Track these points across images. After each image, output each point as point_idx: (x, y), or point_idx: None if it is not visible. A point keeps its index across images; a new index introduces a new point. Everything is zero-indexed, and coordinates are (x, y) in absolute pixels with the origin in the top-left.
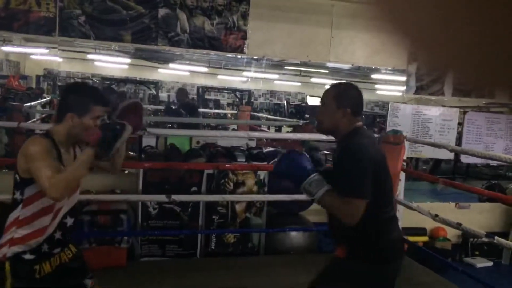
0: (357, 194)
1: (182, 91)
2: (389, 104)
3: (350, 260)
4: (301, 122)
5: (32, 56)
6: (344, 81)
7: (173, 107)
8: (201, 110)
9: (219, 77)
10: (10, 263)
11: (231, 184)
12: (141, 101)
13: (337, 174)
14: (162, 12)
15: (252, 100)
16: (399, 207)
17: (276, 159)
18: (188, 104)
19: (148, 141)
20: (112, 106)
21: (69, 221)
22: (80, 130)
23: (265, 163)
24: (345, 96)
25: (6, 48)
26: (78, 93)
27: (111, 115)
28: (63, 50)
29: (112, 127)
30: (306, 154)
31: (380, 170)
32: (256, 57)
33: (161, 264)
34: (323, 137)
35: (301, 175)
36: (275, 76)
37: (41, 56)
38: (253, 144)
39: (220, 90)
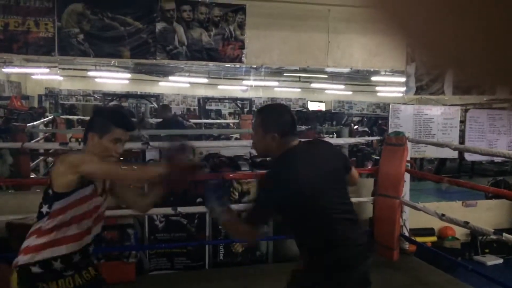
0: (250, 221)
1: (164, 108)
2: (390, 106)
3: (308, 272)
4: (303, 128)
5: (33, 76)
6: (269, 104)
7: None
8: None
9: (220, 87)
10: (18, 273)
11: (236, 193)
12: (143, 115)
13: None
14: (159, 26)
15: (254, 109)
16: (406, 208)
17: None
18: (170, 121)
19: (151, 154)
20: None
21: (91, 248)
22: (101, 151)
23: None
24: (269, 120)
25: (7, 70)
26: (101, 115)
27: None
28: (64, 69)
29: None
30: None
31: (308, 189)
32: (254, 66)
33: (171, 277)
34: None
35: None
36: (275, 83)
37: (42, 75)
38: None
39: (221, 100)
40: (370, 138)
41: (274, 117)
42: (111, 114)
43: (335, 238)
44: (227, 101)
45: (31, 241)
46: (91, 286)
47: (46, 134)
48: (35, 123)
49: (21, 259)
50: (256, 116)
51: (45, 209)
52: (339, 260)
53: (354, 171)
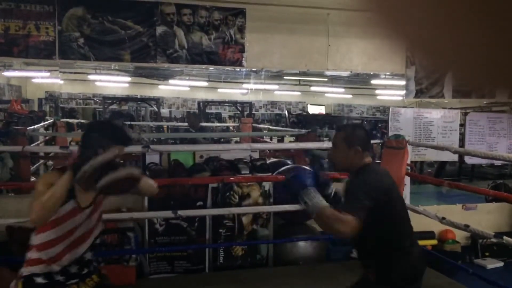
0: (351, 211)
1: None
2: (390, 109)
3: (380, 285)
4: (303, 131)
5: (33, 80)
6: (349, 123)
7: None
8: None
9: (219, 90)
10: (23, 283)
11: (237, 196)
12: (143, 118)
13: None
14: (159, 30)
15: (253, 112)
16: None
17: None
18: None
19: (151, 158)
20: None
21: (88, 255)
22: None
23: (269, 174)
24: (354, 136)
25: (7, 73)
26: (98, 131)
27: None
28: (64, 72)
29: (90, 152)
30: (310, 169)
31: (393, 198)
32: (255, 69)
33: (171, 281)
34: (325, 145)
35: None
36: (275, 87)
37: (42, 79)
38: (256, 155)
39: (221, 103)
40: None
41: (358, 133)
42: (110, 132)
43: (415, 247)
44: (227, 104)
45: (30, 254)
46: None
47: (46, 138)
48: (35, 126)
49: (25, 270)
50: (338, 132)
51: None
52: (415, 269)
53: None
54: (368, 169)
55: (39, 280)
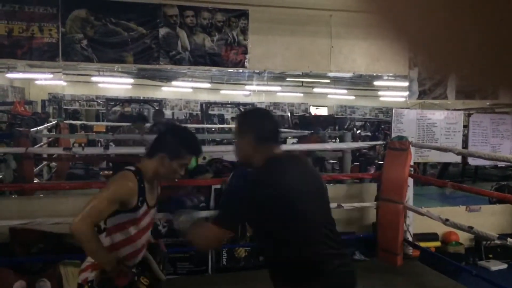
0: (218, 221)
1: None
2: (393, 110)
3: None
4: (306, 132)
5: (36, 82)
6: (251, 108)
7: None
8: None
9: (222, 92)
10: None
11: None
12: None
13: None
14: (162, 31)
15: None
16: (409, 213)
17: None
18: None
19: None
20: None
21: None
22: (167, 172)
23: None
24: (246, 124)
25: (11, 75)
26: (175, 138)
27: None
28: (67, 74)
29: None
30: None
31: (295, 198)
32: (257, 71)
33: (173, 282)
34: (328, 147)
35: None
36: (278, 88)
37: (45, 81)
38: None
39: (223, 105)
40: (373, 143)
41: (251, 121)
42: (186, 141)
43: (319, 264)
44: (229, 106)
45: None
46: None
47: (50, 139)
48: (38, 128)
49: (91, 275)
50: (236, 121)
51: (102, 223)
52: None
53: None
54: (265, 166)
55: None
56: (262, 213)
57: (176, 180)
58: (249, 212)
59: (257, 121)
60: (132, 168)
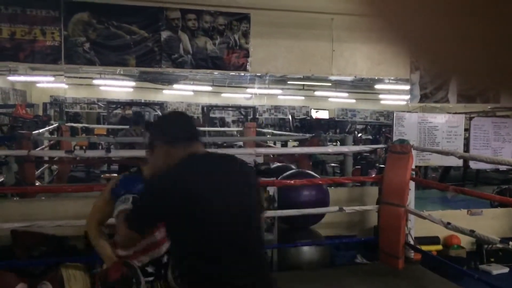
0: (125, 219)
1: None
2: (394, 114)
3: None
4: (307, 136)
5: (38, 84)
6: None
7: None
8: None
9: (223, 95)
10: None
11: None
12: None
13: None
14: (164, 35)
15: (257, 116)
16: (411, 217)
17: None
18: None
19: None
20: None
21: (165, 258)
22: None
23: (274, 178)
24: (155, 132)
25: (13, 78)
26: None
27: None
28: (69, 77)
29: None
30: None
31: (197, 210)
32: (259, 74)
33: None
34: (330, 150)
35: None
36: (279, 91)
37: (47, 83)
38: (260, 160)
39: (224, 108)
40: (375, 146)
41: (157, 128)
42: (182, 126)
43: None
44: (231, 109)
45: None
46: None
47: (51, 142)
48: (40, 130)
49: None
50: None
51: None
52: None
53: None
54: (176, 165)
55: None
56: (160, 217)
57: None
58: (150, 215)
59: (162, 125)
60: (134, 169)
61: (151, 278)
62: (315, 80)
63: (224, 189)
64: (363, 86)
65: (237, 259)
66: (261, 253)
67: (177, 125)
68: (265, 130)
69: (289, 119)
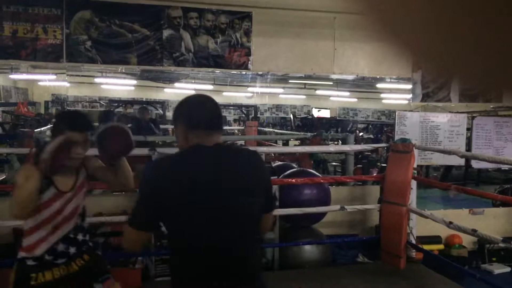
0: (129, 223)
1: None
2: (396, 113)
3: None
4: (308, 134)
5: (39, 82)
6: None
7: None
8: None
9: (225, 93)
10: (15, 267)
11: None
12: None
13: None
14: (166, 33)
15: (258, 115)
16: (413, 216)
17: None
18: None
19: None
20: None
21: (80, 236)
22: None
23: (275, 177)
24: (178, 110)
25: (14, 76)
26: (57, 118)
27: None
28: (71, 75)
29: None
30: None
31: (177, 205)
32: (260, 73)
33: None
34: (331, 149)
35: None
36: (280, 90)
37: (48, 82)
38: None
39: (226, 106)
40: (376, 145)
41: (184, 108)
42: (64, 117)
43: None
44: (232, 107)
45: (23, 240)
46: (86, 271)
47: None
48: (42, 128)
49: (19, 255)
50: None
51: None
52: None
53: (269, 217)
54: (173, 155)
55: (30, 262)
56: (154, 211)
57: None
58: (146, 208)
59: (188, 108)
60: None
61: (63, 260)
62: (316, 79)
63: (210, 188)
64: (364, 85)
65: (214, 261)
66: (246, 256)
67: (199, 112)
68: (266, 129)
69: (290, 118)
